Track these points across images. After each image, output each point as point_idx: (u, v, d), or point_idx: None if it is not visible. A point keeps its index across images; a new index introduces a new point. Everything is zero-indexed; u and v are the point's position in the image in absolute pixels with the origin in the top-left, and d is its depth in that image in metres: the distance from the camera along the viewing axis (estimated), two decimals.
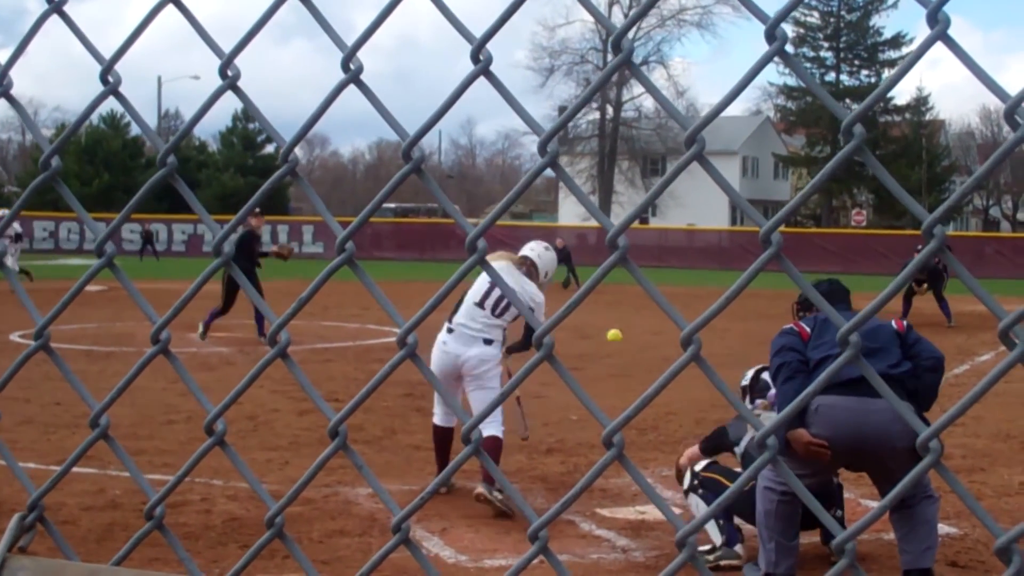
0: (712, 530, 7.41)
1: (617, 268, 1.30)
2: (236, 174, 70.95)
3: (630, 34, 1.31)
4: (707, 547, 7.45)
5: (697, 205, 65.66)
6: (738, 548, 7.37)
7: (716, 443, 7.66)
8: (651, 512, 8.27)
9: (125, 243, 54.54)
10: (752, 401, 7.93)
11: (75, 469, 7.50)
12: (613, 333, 19.59)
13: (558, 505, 1.33)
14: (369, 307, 23.79)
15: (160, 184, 1.55)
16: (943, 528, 7.92)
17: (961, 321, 23.31)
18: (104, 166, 68.78)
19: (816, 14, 77.42)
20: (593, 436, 10.77)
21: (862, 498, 8.87)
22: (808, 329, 6.72)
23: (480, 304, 8.87)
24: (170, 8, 1.52)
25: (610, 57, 71.90)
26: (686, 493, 7.60)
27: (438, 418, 9.08)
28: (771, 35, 1.24)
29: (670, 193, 61.18)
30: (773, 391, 7.49)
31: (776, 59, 1.27)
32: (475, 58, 1.34)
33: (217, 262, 1.50)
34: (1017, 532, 1.18)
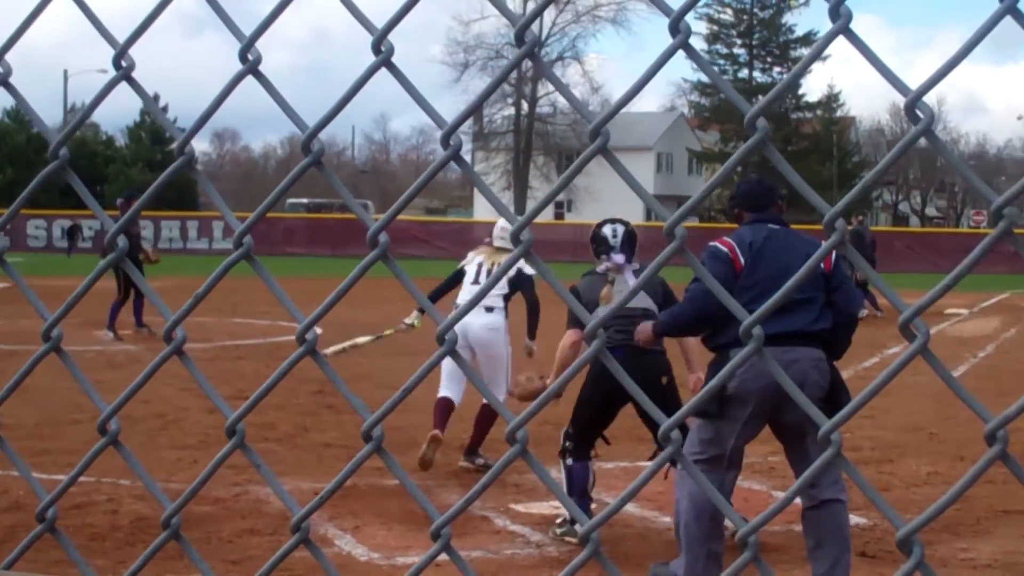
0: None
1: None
2: (144, 169, 69.96)
3: (535, 27, 1.30)
4: (560, 519, 7.82)
5: (613, 200, 65.72)
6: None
7: (574, 316, 7.37)
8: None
9: (30, 239, 53.72)
10: (598, 256, 8.01)
11: None
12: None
13: (461, 502, 1.32)
14: (280, 303, 23.59)
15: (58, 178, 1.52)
16: (853, 519, 8.02)
17: (870, 315, 23.70)
18: (8, 161, 67.61)
19: (730, 11, 78.11)
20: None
21: (773, 490, 8.96)
22: (742, 258, 6.36)
23: (476, 282, 9.70)
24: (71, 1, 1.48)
25: (552, 57, 72.16)
26: (561, 453, 7.82)
27: (448, 392, 9.71)
28: (675, 28, 1.23)
29: (585, 189, 61.41)
30: (619, 256, 7.86)
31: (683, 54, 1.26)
32: (376, 50, 1.32)
33: (111, 257, 1.47)
34: (917, 524, 1.19)
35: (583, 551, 1.25)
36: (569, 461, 7.76)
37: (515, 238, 1.26)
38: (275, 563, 1.35)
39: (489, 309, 9.67)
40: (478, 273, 9.84)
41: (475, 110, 1.34)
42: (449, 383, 9.63)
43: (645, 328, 6.88)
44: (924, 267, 47.10)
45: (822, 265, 6.23)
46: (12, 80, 1.55)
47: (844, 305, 6.44)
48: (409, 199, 1.36)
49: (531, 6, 73.36)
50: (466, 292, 9.71)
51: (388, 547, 7.39)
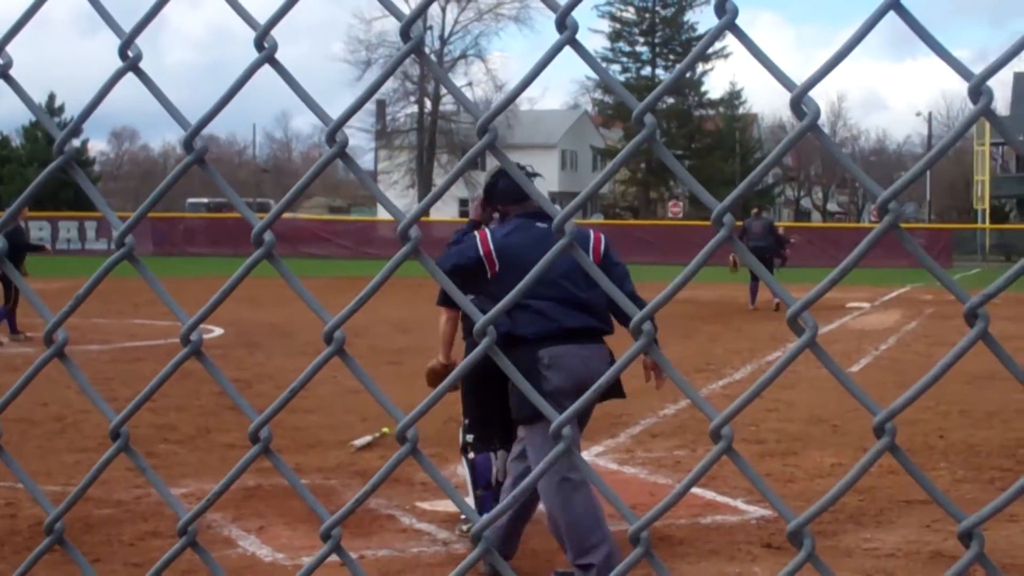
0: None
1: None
2: (40, 169, 68.78)
3: (421, 24, 1.29)
4: (464, 517, 7.73)
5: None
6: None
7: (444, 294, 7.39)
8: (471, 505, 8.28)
9: None
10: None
11: None
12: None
13: (350, 503, 1.31)
14: (183, 303, 23.28)
15: None
16: (758, 511, 8.12)
17: (772, 308, 24.05)
18: None
19: (632, 9, 78.71)
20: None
21: (680, 484, 9.02)
22: (496, 262, 6.43)
23: None
24: None
25: (447, 56, 72.03)
26: (462, 449, 7.66)
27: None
28: (562, 24, 1.23)
29: None
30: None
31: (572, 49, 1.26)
32: (259, 46, 1.30)
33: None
34: (807, 516, 1.20)
35: (475, 549, 1.25)
36: (471, 455, 7.63)
37: (403, 236, 1.25)
38: (162, 567, 1.32)
39: None
40: None
41: (359, 107, 1.33)
42: None
43: None
44: (825, 262, 47.67)
45: (590, 257, 6.14)
46: None
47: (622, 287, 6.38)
48: (294, 197, 1.34)
49: (448, 15, 73.05)
50: None
51: (293, 547, 7.33)
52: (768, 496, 1.22)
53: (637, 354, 1.21)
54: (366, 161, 78.67)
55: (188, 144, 1.33)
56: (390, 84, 70.77)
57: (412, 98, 72.22)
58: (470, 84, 72.12)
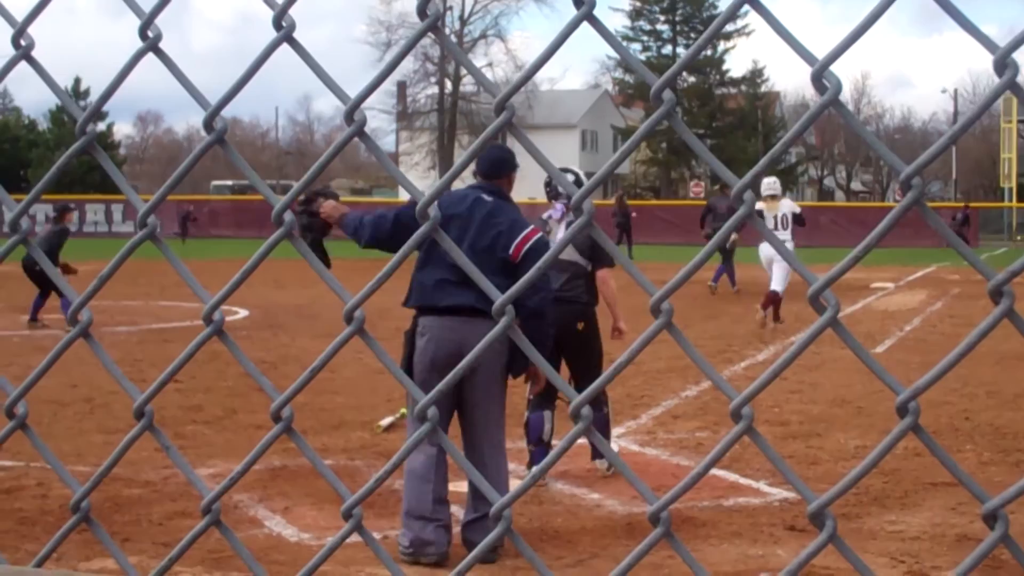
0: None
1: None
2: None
3: (439, 1, 1.28)
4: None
5: (538, 178, 65.90)
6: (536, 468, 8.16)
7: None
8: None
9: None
10: (550, 200, 8.77)
11: None
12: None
13: (371, 482, 1.31)
14: (208, 285, 23.40)
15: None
16: (781, 493, 8.10)
17: (800, 290, 23.91)
18: None
19: None
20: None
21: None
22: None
23: (775, 228, 11.98)
24: None
25: (467, 36, 71.89)
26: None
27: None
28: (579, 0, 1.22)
29: None
30: (558, 208, 8.56)
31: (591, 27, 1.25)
32: (277, 25, 1.30)
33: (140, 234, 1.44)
34: (828, 497, 1.19)
35: (496, 528, 1.25)
36: (526, 413, 8.47)
37: (421, 215, 1.25)
38: (186, 545, 1.33)
39: None
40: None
41: (377, 85, 1.33)
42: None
43: (338, 208, 6.98)
44: (849, 241, 47.50)
45: (510, 251, 6.55)
46: None
47: (525, 296, 6.31)
48: (312, 177, 1.35)
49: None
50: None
51: (319, 527, 7.36)
52: (788, 476, 1.22)
53: (655, 334, 1.21)
54: (387, 143, 78.65)
55: (208, 124, 1.33)
56: (410, 65, 70.68)
57: (433, 79, 72.08)
58: (490, 64, 71.93)
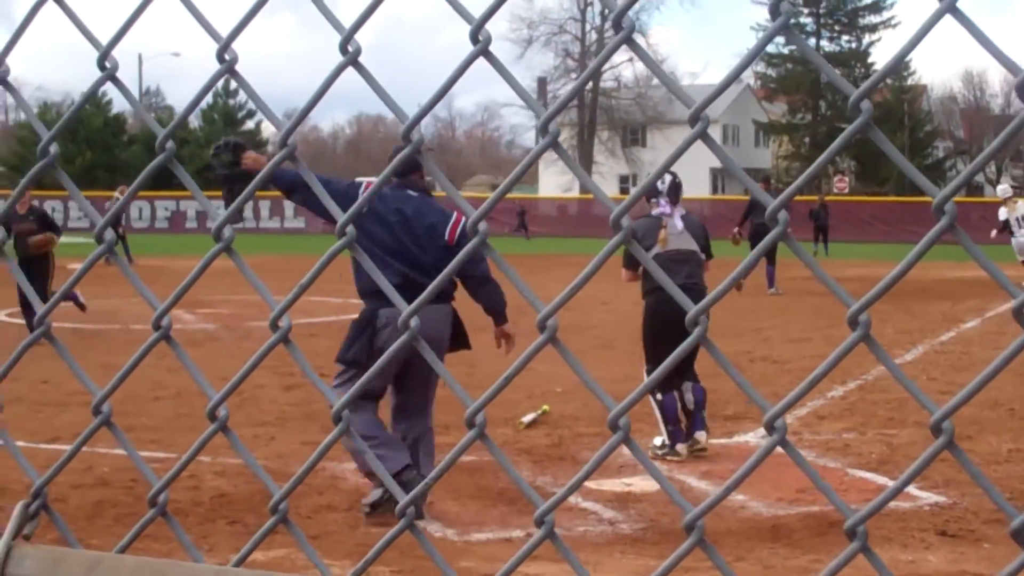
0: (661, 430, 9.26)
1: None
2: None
3: (630, 12, 1.29)
4: (658, 441, 9.34)
5: (678, 173, 65.50)
6: (680, 448, 9.19)
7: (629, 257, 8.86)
8: (637, 484, 8.28)
9: (134, 220, 55.00)
10: (648, 200, 9.51)
11: (62, 446, 7.50)
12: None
13: (563, 491, 1.32)
14: (351, 281, 23.77)
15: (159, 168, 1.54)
16: (932, 497, 7.94)
17: (947, 289, 23.48)
18: (86, 144, 68.37)
19: None
20: (577, 408, 10.78)
21: (848, 467, 8.88)
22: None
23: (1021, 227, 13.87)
24: None
25: (609, 33, 71.71)
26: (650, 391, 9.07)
27: None
28: (775, 10, 1.22)
29: (651, 163, 61.13)
30: (665, 204, 9.43)
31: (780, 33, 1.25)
32: (474, 39, 1.32)
33: (217, 247, 1.48)
34: None
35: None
36: (658, 396, 9.15)
37: (615, 225, 1.26)
38: (382, 548, 1.36)
39: None
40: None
41: (574, 97, 1.34)
42: None
43: (259, 159, 7.35)
44: (1001, 237, 46.32)
45: (446, 237, 7.44)
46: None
47: (471, 269, 7.39)
48: (509, 187, 1.37)
49: None
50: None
51: (462, 523, 7.42)
52: (992, 494, 1.20)
53: (853, 346, 1.20)
54: (527, 139, 78.79)
55: (406, 136, 1.36)
56: (551, 61, 70.87)
57: (573, 75, 72.14)
58: (631, 60, 71.72)
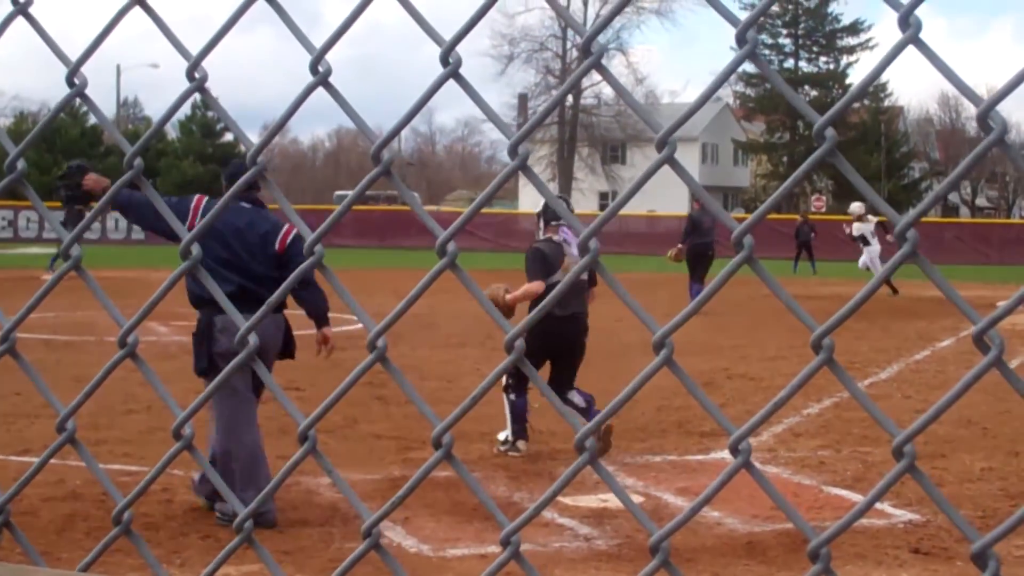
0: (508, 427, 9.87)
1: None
2: (195, 162, 70.65)
3: (600, 37, 1.30)
4: (502, 436, 9.95)
5: (657, 191, 65.53)
6: (521, 445, 9.84)
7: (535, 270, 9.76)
8: (613, 500, 8.27)
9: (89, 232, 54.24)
10: (547, 224, 10.10)
11: (33, 458, 7.46)
12: None
13: (530, 510, 1.33)
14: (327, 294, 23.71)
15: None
16: (905, 514, 7.98)
17: (922, 307, 23.57)
18: (63, 155, 68.14)
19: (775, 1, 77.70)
20: (553, 423, 10.78)
21: (823, 485, 8.91)
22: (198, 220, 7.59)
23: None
24: None
25: (577, 54, 71.89)
26: (505, 390, 9.89)
27: None
28: (742, 39, 1.23)
29: (631, 179, 61.14)
30: (568, 231, 9.79)
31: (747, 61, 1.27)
32: (444, 61, 1.33)
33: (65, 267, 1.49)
34: (993, 537, 1.18)
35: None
36: (512, 396, 9.91)
37: (584, 247, 1.27)
38: (346, 568, 1.36)
39: None
40: None
41: (543, 120, 1.35)
42: None
43: (100, 181, 7.69)
44: (974, 259, 46.62)
45: (276, 245, 7.73)
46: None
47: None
48: (478, 208, 1.38)
49: (591, 10, 72.72)
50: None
51: (437, 539, 7.41)
52: (952, 516, 1.21)
53: (817, 369, 1.21)
54: (507, 155, 78.72)
55: (375, 156, 1.36)
56: (532, 78, 70.99)
57: (554, 92, 72.23)
58: (630, 94, 71.88)
